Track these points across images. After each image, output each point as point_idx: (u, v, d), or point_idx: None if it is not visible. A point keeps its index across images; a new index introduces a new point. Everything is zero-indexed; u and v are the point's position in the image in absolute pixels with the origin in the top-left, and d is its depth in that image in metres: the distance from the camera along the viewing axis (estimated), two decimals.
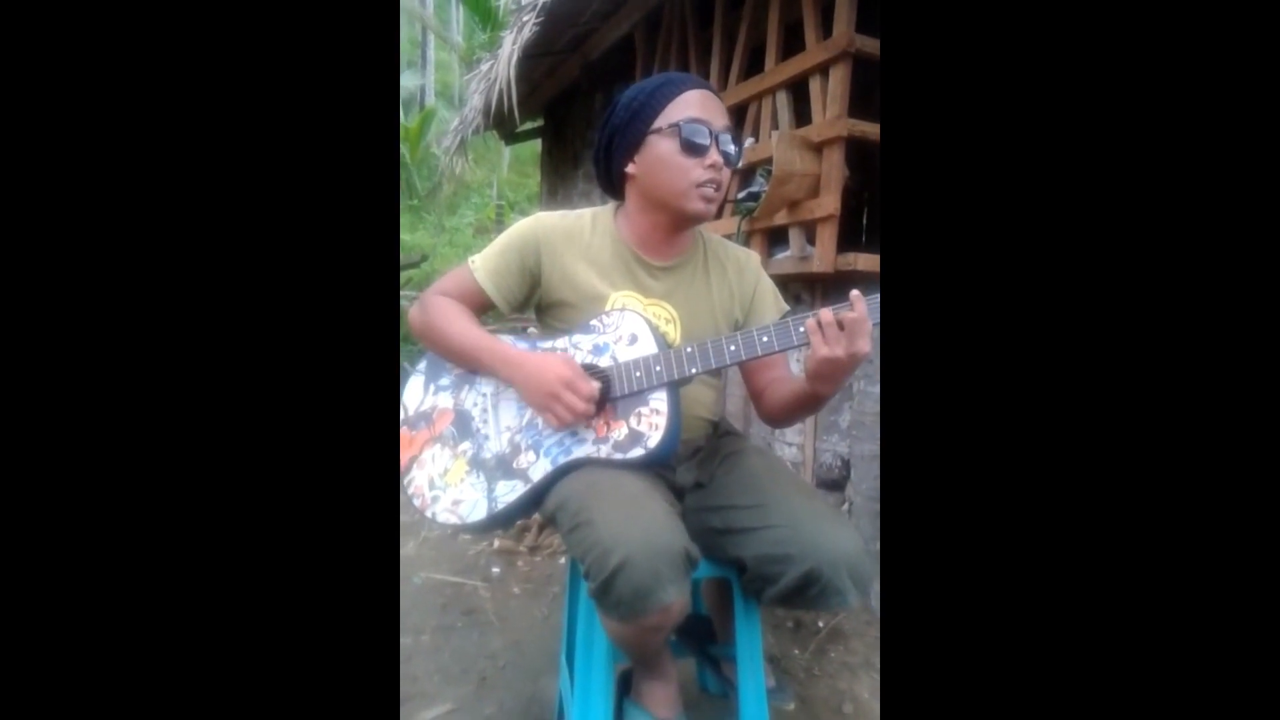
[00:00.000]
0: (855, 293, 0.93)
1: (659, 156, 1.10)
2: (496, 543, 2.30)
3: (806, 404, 1.08)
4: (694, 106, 1.09)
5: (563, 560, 2.19)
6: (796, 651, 1.71)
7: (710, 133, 1.08)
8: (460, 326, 1.14)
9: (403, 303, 6.12)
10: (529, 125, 5.26)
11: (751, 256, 1.27)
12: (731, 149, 1.11)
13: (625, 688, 1.16)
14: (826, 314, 0.94)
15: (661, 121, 1.09)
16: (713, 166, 1.09)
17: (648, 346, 1.05)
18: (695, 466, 1.16)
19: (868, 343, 0.93)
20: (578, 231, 1.17)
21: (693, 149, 1.08)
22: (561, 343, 1.12)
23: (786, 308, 1.24)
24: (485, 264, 1.16)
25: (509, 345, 1.12)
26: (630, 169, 1.14)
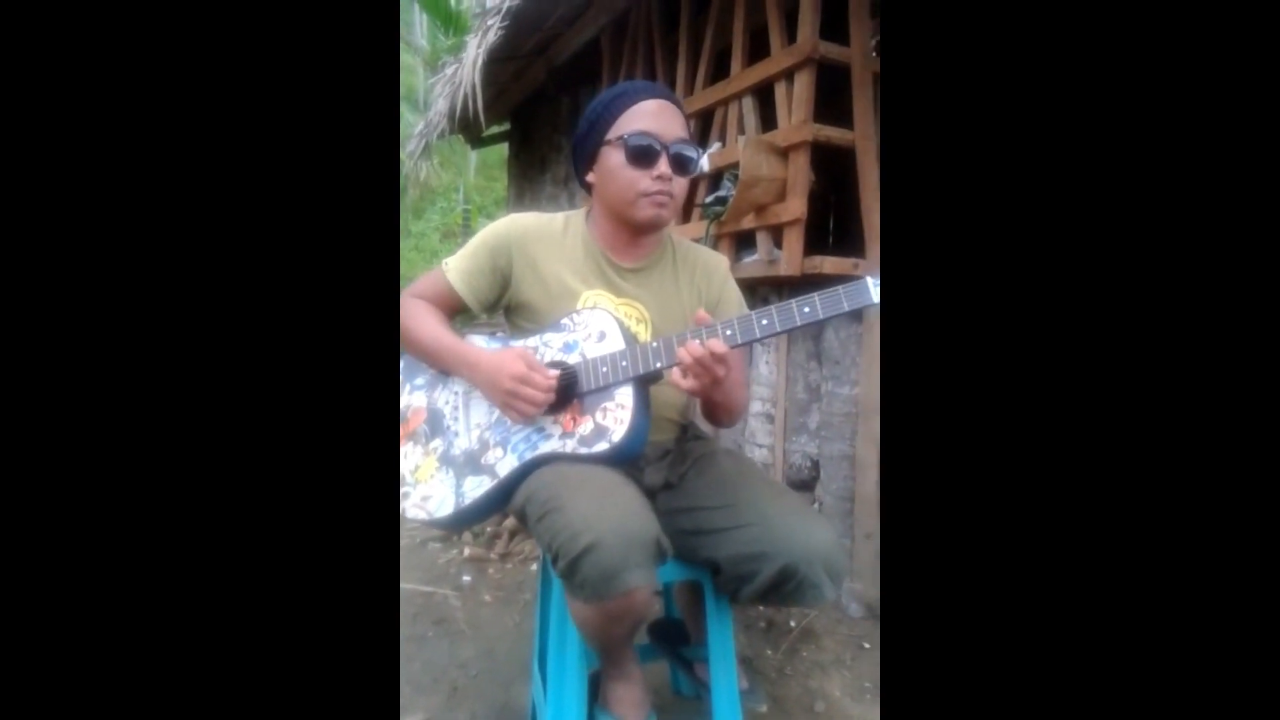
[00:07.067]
0: (733, 355, 0.99)
1: (610, 168, 1.13)
2: (467, 550, 2.28)
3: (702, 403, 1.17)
4: (646, 118, 1.11)
5: (534, 567, 2.17)
6: (769, 652, 1.72)
7: (659, 144, 1.10)
8: (427, 329, 1.15)
9: None
10: (495, 129, 5.23)
11: (721, 261, 1.29)
12: (690, 155, 1.13)
13: (592, 694, 1.16)
14: (695, 348, 0.96)
15: (613, 133, 1.12)
16: (660, 178, 1.10)
17: (615, 343, 1.06)
18: (665, 468, 1.17)
19: (724, 370, 0.97)
20: (550, 232, 1.19)
21: (640, 161, 1.10)
22: (533, 341, 1.12)
23: (750, 312, 1.25)
24: (458, 265, 1.17)
25: (471, 346, 1.12)
26: (590, 178, 1.19)
